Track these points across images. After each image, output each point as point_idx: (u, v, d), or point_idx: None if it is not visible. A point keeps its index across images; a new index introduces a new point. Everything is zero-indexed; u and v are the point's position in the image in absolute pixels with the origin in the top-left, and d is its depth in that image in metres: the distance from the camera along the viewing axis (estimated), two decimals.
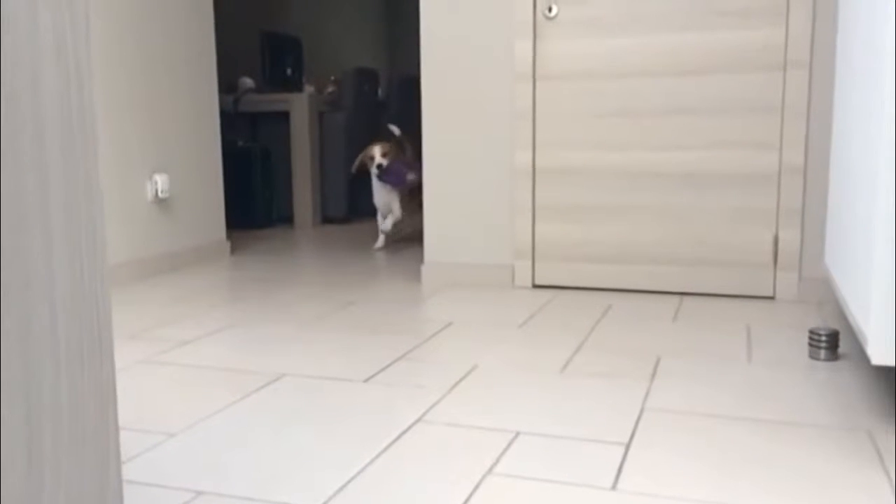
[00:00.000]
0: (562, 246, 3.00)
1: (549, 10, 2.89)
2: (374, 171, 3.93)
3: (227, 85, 5.00)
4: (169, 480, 1.37)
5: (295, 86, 5.34)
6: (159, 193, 3.36)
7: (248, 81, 5.13)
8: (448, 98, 3.06)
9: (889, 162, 1.45)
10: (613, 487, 1.33)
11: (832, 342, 2.00)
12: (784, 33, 2.65)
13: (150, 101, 3.33)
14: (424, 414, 1.68)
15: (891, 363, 1.48)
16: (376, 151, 3.90)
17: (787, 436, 1.55)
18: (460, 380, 1.91)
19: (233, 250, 3.93)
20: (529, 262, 3.03)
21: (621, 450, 1.48)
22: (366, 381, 1.91)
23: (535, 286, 3.04)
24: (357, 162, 3.98)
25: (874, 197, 1.50)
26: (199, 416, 1.68)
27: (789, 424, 1.61)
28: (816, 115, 2.64)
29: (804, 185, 2.68)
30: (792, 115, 2.65)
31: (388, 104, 5.60)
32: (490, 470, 1.40)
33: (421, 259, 3.23)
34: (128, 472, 1.41)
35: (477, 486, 1.33)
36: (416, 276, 3.25)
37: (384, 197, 3.98)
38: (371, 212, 5.77)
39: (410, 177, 3.92)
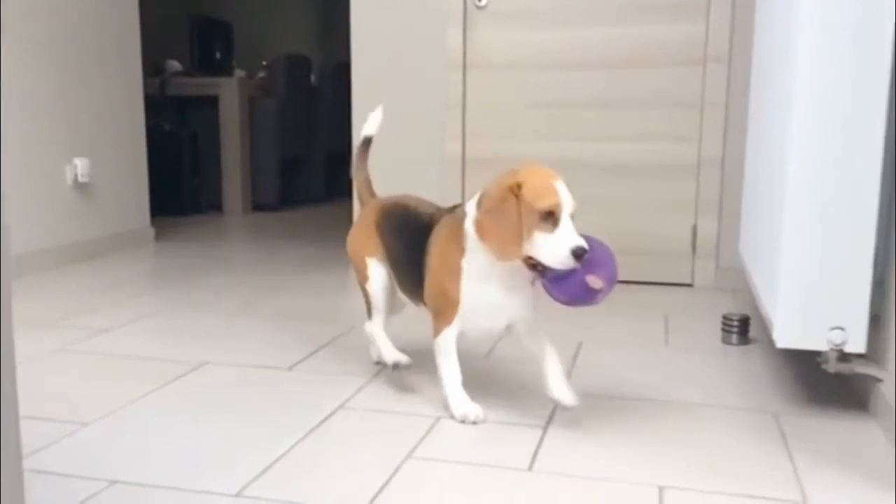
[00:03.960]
0: None
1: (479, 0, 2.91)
2: (548, 254, 1.42)
3: (153, 68, 4.87)
4: (81, 470, 1.34)
5: (224, 70, 5.24)
6: (79, 178, 3.25)
7: (175, 64, 5.01)
8: (379, 86, 3.05)
9: (797, 154, 1.51)
10: (530, 468, 1.36)
11: (743, 327, 2.08)
12: (705, 29, 2.73)
13: (68, 83, 3.22)
14: (347, 400, 1.68)
15: (793, 346, 1.55)
16: (563, 203, 1.44)
17: (699, 417, 1.61)
18: (385, 366, 1.91)
19: (158, 237, 3.84)
20: None
21: (539, 432, 1.52)
22: (290, 368, 1.90)
23: None
24: (502, 208, 1.44)
25: (782, 187, 1.57)
26: (116, 405, 1.65)
27: (701, 406, 1.67)
28: (734, 109, 2.73)
29: (722, 177, 2.77)
30: (711, 109, 2.74)
31: (321, 91, 5.55)
32: (410, 454, 1.41)
33: None
34: (38, 461, 1.37)
35: (396, 470, 1.35)
36: (346, 263, 3.24)
37: (513, 297, 1.55)
38: (304, 198, 5.71)
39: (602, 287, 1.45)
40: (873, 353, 1.57)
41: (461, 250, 1.53)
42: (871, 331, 1.53)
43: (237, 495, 1.25)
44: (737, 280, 2.80)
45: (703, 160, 2.77)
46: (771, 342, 2.13)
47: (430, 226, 1.62)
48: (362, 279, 1.80)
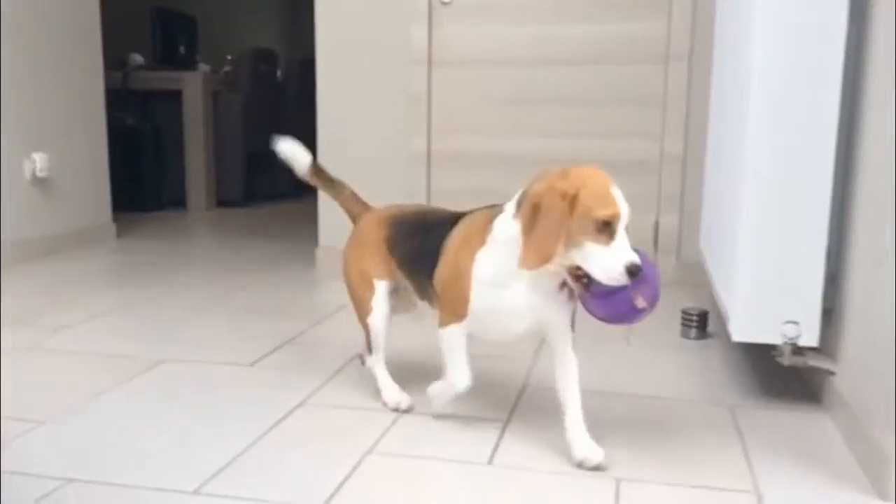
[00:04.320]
0: None
1: None
2: (600, 268, 1.27)
3: (115, 61, 4.79)
4: (36, 468, 1.32)
5: (188, 64, 5.18)
6: (38, 173, 3.19)
7: (137, 58, 4.94)
8: (344, 81, 3.04)
9: (753, 151, 1.54)
10: (489, 462, 1.37)
11: (702, 322, 2.12)
12: (667, 27, 2.76)
13: (26, 75, 3.15)
14: (309, 396, 1.68)
15: (749, 340, 1.58)
16: (621, 214, 1.29)
17: (657, 411, 1.63)
18: (347, 362, 1.91)
19: (119, 234, 3.78)
20: None
21: (500, 427, 1.53)
22: (252, 364, 1.89)
23: None
24: (551, 220, 1.27)
25: (738, 184, 1.59)
26: (73, 403, 1.62)
27: (659, 400, 1.69)
28: (695, 106, 2.76)
29: (683, 173, 2.80)
30: (673, 106, 2.77)
31: (287, 86, 5.51)
32: (371, 450, 1.41)
33: (316, 243, 3.21)
34: None
35: (356, 466, 1.35)
36: (312, 260, 3.22)
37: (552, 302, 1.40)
38: (270, 194, 5.65)
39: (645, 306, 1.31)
40: (826, 346, 1.61)
41: (480, 242, 1.39)
42: (825, 325, 1.57)
43: (195, 493, 1.24)
44: (697, 275, 2.83)
45: (666, 156, 2.80)
46: (728, 336, 2.17)
47: (457, 220, 1.48)
48: (363, 311, 1.64)
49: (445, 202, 3.00)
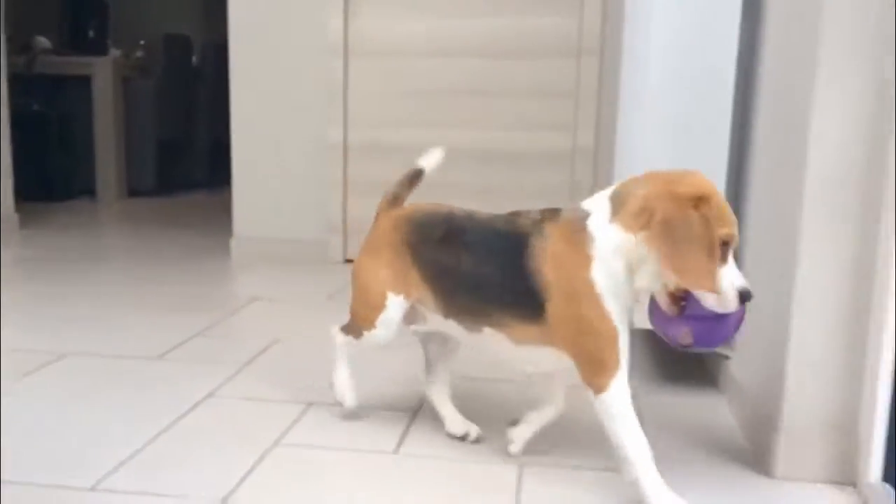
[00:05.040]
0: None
1: None
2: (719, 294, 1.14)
3: (19, 45, 4.58)
4: None
5: (99, 49, 4.99)
6: None
7: (43, 41, 4.74)
8: (259, 70, 2.99)
9: (652, 148, 1.59)
10: (396, 451, 1.38)
11: None
12: (579, 22, 2.82)
13: None
14: (217, 389, 1.66)
15: (650, 326, 1.63)
16: (736, 231, 1.16)
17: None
18: (258, 354, 1.89)
19: (23, 225, 3.63)
20: (341, 238, 3.04)
21: (407, 418, 1.54)
22: (160, 357, 1.86)
23: (348, 261, 3.06)
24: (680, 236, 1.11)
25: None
26: None
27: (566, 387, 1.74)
28: (606, 100, 2.83)
29: (594, 165, 2.88)
30: (585, 100, 2.84)
31: (202, 73, 5.37)
32: (277, 441, 1.41)
33: (230, 233, 3.15)
34: None
35: (262, 457, 1.34)
36: (226, 251, 3.17)
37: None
38: (184, 183, 5.50)
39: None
40: None
41: (585, 259, 1.16)
42: None
43: (92, 489, 1.21)
44: None
45: (578, 148, 2.87)
46: (631, 323, 2.24)
47: (516, 233, 1.23)
48: (363, 320, 1.41)
49: (363, 193, 3.00)
